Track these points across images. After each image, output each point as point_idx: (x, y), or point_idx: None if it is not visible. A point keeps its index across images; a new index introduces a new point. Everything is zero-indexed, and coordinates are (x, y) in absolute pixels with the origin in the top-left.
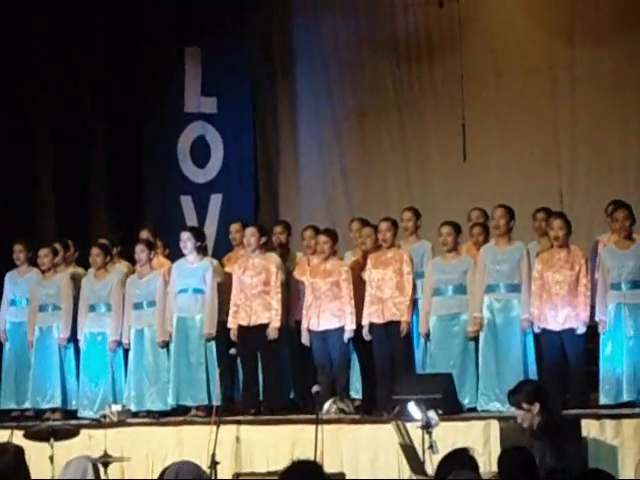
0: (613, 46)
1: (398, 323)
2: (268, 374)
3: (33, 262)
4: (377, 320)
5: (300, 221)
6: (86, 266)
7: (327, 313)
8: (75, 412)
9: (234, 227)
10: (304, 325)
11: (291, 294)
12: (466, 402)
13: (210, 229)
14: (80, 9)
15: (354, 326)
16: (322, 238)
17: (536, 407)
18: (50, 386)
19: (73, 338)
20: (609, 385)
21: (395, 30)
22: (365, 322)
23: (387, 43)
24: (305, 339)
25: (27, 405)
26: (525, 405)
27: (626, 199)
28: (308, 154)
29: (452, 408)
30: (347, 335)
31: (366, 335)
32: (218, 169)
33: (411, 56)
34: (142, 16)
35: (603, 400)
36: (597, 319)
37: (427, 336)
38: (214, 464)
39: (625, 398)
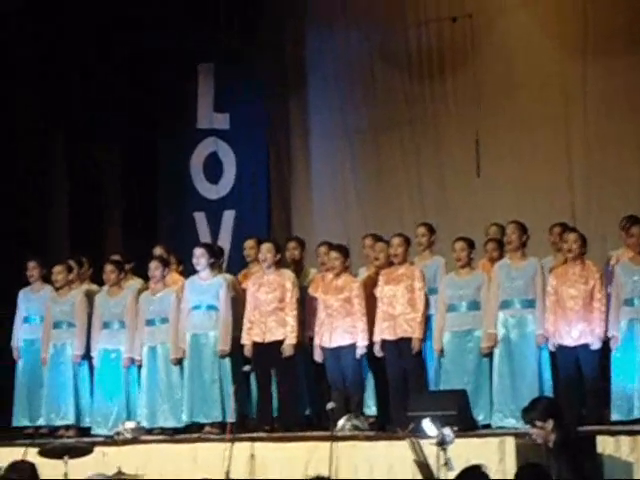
0: (625, 60)
1: (410, 340)
2: (283, 391)
3: (47, 279)
4: (389, 337)
5: (313, 237)
6: (100, 283)
7: (339, 330)
8: (89, 429)
9: (248, 243)
10: (316, 342)
11: (305, 311)
12: (480, 419)
13: (223, 245)
14: (97, 27)
15: (367, 342)
16: (333, 254)
17: (550, 424)
18: (64, 403)
19: (87, 355)
20: (620, 401)
21: (408, 45)
22: (377, 339)
23: (400, 58)
24: (318, 356)
25: (41, 422)
26: (538, 422)
27: (639, 213)
28: (321, 170)
29: (467, 425)
30: (359, 352)
31: (377, 352)
32: (231, 185)
33: (424, 71)
34: (156, 32)
35: (615, 416)
36: (609, 335)
37: (441, 352)
38: None
39: (637, 415)
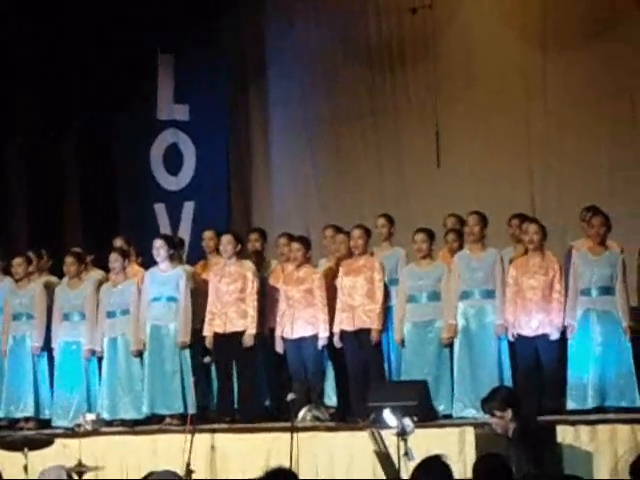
0: (585, 51)
1: (369, 331)
2: (243, 382)
3: (6, 271)
4: (348, 327)
5: (273, 228)
6: (59, 275)
7: (301, 321)
8: (49, 421)
9: (207, 235)
10: (278, 333)
11: (266, 302)
12: (441, 409)
13: (183, 236)
14: (52, 18)
15: (328, 333)
16: (295, 245)
17: (509, 413)
18: (23, 395)
19: (47, 347)
20: (576, 390)
21: (368, 37)
22: (336, 329)
23: (360, 50)
24: (279, 347)
25: (0, 414)
26: (497, 412)
27: (598, 204)
28: (281, 161)
29: (427, 415)
30: (321, 342)
31: (337, 343)
32: (191, 176)
33: (384, 63)
34: (115, 23)
35: (570, 405)
36: (566, 324)
37: (402, 343)
38: (189, 473)
39: (590, 404)
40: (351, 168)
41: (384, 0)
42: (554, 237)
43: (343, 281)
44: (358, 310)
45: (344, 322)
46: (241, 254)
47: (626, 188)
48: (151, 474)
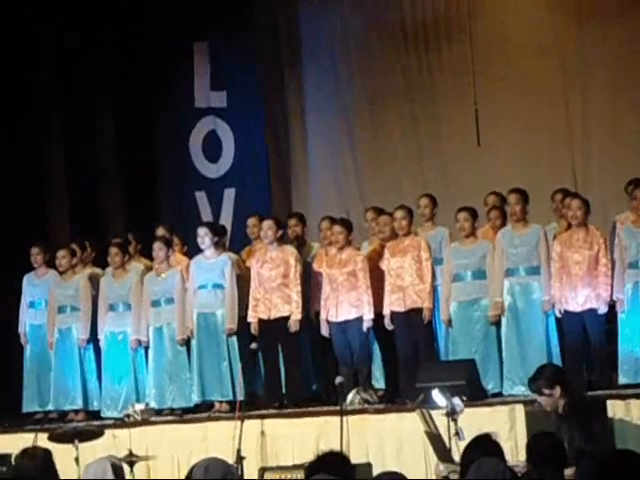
0: (621, 23)
1: (420, 310)
2: (290, 367)
3: (50, 264)
4: (398, 308)
5: (313, 212)
6: (102, 266)
7: (345, 304)
8: (98, 412)
9: (251, 221)
10: (323, 316)
11: (310, 286)
12: (490, 387)
13: (225, 224)
14: (88, 6)
15: (372, 315)
16: (336, 228)
17: (557, 390)
18: (71, 387)
19: (93, 338)
20: (628, 364)
21: (403, 16)
22: (386, 311)
23: (395, 29)
24: (324, 330)
25: (50, 407)
26: (546, 390)
27: None
28: (318, 144)
29: (476, 394)
30: (366, 325)
31: (388, 325)
32: (230, 163)
33: (420, 42)
34: (150, 12)
35: (622, 380)
36: (615, 298)
37: (449, 322)
38: (240, 459)
39: None
40: (389, 149)
41: None
42: (596, 211)
43: (390, 263)
44: (409, 290)
45: (394, 303)
46: (282, 239)
47: None
48: (198, 463)
